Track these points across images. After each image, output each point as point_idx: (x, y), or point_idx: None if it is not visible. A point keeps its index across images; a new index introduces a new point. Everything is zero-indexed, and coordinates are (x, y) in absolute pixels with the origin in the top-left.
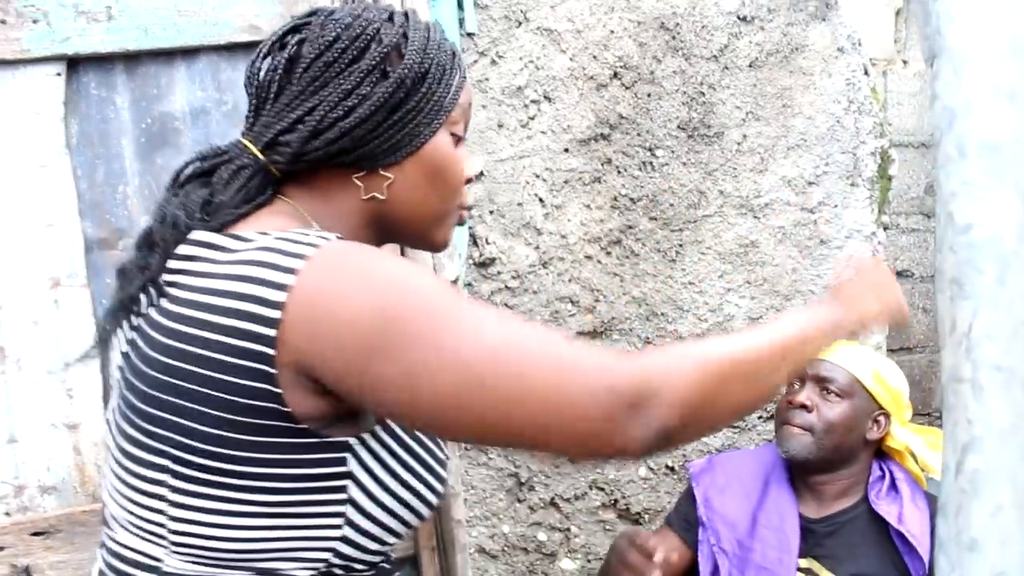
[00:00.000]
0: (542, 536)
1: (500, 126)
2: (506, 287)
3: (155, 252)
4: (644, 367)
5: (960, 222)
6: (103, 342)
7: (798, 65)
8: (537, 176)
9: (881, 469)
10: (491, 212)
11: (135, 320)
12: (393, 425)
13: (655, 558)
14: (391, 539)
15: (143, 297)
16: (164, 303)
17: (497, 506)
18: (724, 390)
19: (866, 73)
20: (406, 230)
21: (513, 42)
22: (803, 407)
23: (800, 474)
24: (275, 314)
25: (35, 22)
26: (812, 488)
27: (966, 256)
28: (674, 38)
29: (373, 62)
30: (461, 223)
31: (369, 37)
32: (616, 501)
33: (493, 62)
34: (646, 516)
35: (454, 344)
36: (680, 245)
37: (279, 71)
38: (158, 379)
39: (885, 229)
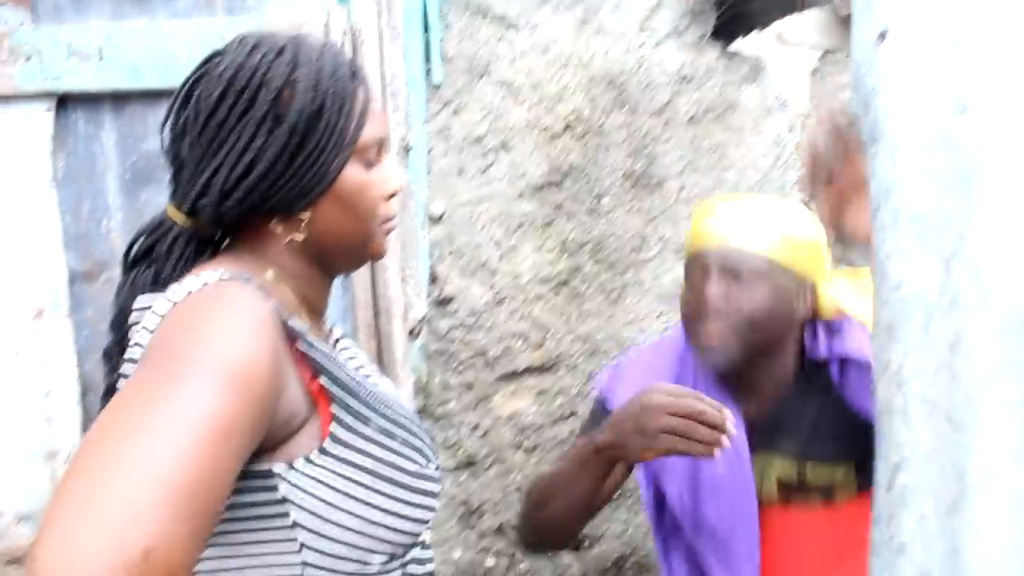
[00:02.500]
0: (490, 562)
1: (461, 172)
2: (463, 324)
3: (124, 335)
4: None
5: (894, 280)
6: (84, 373)
7: (732, 122)
8: (493, 220)
9: (813, 327)
10: (450, 253)
11: None
12: (352, 445)
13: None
14: (374, 558)
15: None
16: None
17: (449, 533)
18: None
19: (791, 131)
20: (338, 256)
21: (475, 93)
22: (715, 309)
23: (728, 375)
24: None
25: (28, 59)
26: (745, 384)
27: (898, 308)
28: (621, 94)
29: (264, 110)
30: (390, 231)
31: (257, 84)
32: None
33: (456, 112)
34: (586, 541)
35: (141, 412)
36: (623, 286)
37: (185, 130)
38: None
39: None
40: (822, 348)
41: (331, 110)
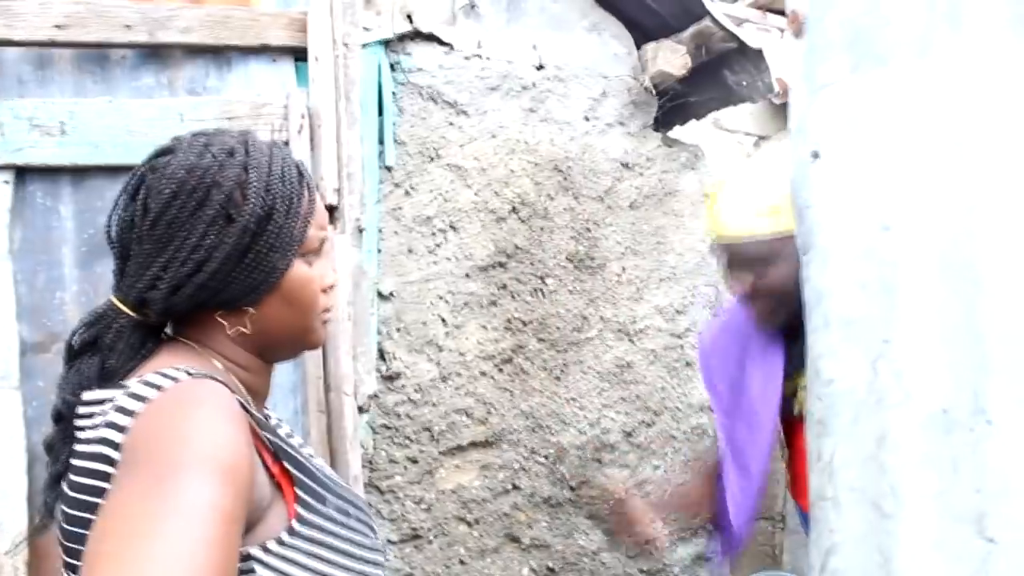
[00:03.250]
0: None
1: (410, 251)
2: (409, 399)
3: (69, 424)
4: None
5: (825, 377)
6: (32, 444)
7: (671, 207)
8: (441, 298)
9: None
10: (398, 330)
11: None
12: (315, 523)
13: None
14: None
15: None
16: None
17: None
18: None
19: None
20: (279, 346)
21: (425, 176)
22: (749, 294)
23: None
24: (116, 455)
25: None
26: (791, 325)
27: (829, 403)
28: (566, 179)
29: (214, 210)
30: (327, 322)
31: (208, 185)
32: None
33: (407, 193)
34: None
35: (145, 512)
36: (564, 364)
37: (133, 225)
38: (69, 531)
39: None
40: None
41: (280, 212)
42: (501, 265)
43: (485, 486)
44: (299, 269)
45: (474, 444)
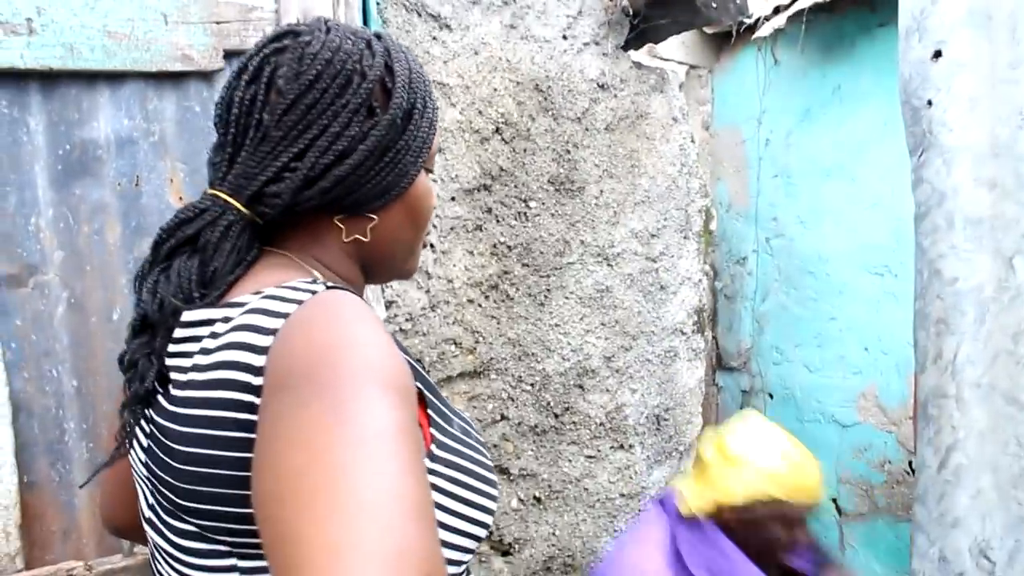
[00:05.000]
0: None
1: None
2: (400, 329)
3: (157, 338)
4: None
5: (947, 276)
6: (15, 391)
7: (643, 130)
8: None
9: None
10: None
11: (149, 412)
12: (450, 446)
13: None
14: (465, 556)
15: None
16: (172, 390)
17: None
18: None
19: (692, 140)
20: (382, 265)
21: None
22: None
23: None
24: (258, 380)
25: None
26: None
27: (952, 302)
28: (546, 99)
29: (360, 100)
30: (424, 246)
31: (351, 72)
32: (490, 533)
33: None
34: (516, 546)
35: (341, 440)
36: (548, 290)
37: (255, 108)
38: (184, 471)
39: (707, 276)
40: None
41: (419, 113)
42: (486, 188)
43: (475, 417)
44: (424, 179)
45: (463, 375)
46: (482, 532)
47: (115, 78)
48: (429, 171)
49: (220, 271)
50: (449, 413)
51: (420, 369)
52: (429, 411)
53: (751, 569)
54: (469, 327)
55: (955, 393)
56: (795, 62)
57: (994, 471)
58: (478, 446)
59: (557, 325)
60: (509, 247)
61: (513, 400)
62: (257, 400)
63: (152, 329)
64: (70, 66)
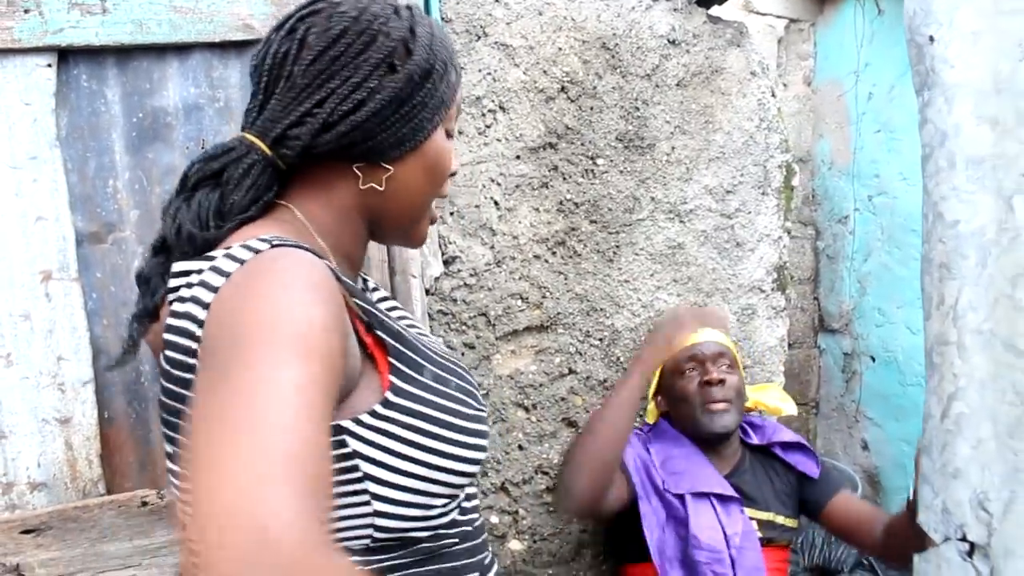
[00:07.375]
0: (494, 519)
1: (460, 133)
2: (464, 284)
3: (171, 259)
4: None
5: (949, 219)
6: (95, 337)
7: (718, 86)
8: (492, 180)
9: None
10: (452, 214)
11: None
12: (412, 393)
13: None
14: (436, 502)
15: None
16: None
17: None
18: None
19: (773, 95)
20: (394, 221)
21: (473, 55)
22: (721, 382)
23: (712, 444)
24: (200, 332)
25: (27, 12)
26: (718, 452)
27: (953, 246)
28: (613, 57)
29: (381, 55)
30: (433, 222)
31: (375, 31)
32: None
33: None
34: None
35: (221, 400)
36: (617, 247)
37: (287, 60)
38: (175, 391)
39: (788, 234)
40: (756, 437)
41: (437, 73)
42: (551, 146)
43: (541, 371)
44: (441, 137)
45: (529, 329)
46: (455, 480)
47: (182, 49)
48: (449, 136)
49: (236, 205)
50: (423, 363)
51: (386, 318)
52: (391, 359)
53: (689, 446)
54: (535, 282)
55: (956, 340)
56: (899, 11)
57: (993, 420)
58: (461, 395)
59: (627, 281)
60: (576, 204)
61: (581, 355)
62: (199, 348)
63: (169, 251)
64: (140, 40)
